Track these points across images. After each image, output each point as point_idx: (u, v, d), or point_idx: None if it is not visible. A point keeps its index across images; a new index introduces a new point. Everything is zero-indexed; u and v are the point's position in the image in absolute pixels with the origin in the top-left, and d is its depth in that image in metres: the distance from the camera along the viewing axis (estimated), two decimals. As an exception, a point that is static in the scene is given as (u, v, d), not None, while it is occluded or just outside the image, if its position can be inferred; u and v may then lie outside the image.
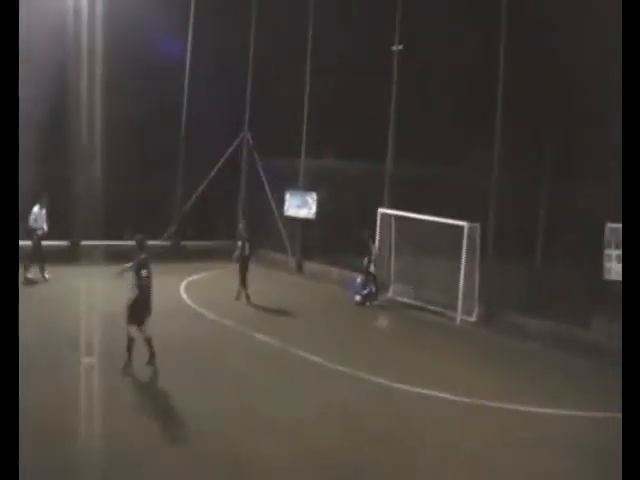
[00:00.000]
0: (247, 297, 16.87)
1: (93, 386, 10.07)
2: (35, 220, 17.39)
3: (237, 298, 16.92)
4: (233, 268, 17.48)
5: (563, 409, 10.91)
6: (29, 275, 16.95)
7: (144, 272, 11.34)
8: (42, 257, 17.51)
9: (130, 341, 11.27)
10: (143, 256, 11.46)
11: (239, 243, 17.45)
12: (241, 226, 17.88)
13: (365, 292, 17.80)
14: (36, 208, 17.45)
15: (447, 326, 16.13)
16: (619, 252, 13.96)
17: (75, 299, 14.24)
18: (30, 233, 17.32)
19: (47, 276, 17.46)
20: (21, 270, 16.20)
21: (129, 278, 11.41)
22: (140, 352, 11.31)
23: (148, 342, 11.38)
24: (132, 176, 21.10)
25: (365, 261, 17.98)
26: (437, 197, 18.60)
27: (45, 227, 17.58)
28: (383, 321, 16.48)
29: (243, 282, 16.91)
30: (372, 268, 17.91)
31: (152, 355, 11.39)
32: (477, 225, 16.50)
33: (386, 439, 9.38)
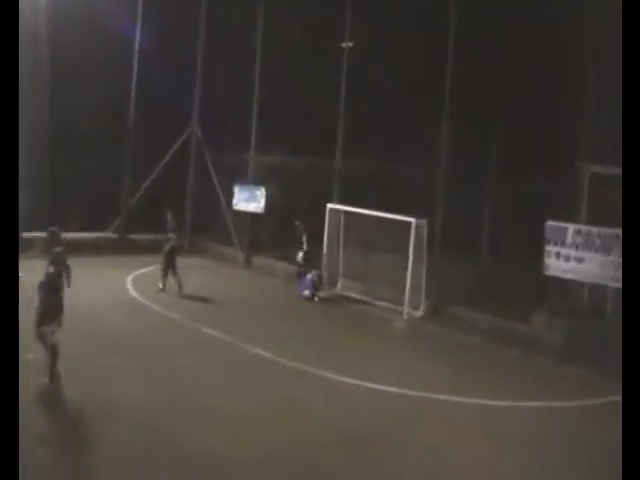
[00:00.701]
0: (180, 287, 16.84)
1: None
2: None
3: (163, 289, 16.92)
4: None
5: (498, 400, 11.22)
6: None
7: (52, 268, 10.26)
8: None
9: (52, 347, 9.94)
10: (57, 250, 10.49)
11: (169, 235, 17.35)
12: (169, 217, 17.77)
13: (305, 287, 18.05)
14: None
15: (394, 321, 16.37)
16: (558, 249, 14.39)
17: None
18: None
19: None
20: None
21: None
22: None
23: (53, 348, 9.93)
24: (78, 166, 20.80)
25: (299, 254, 18.51)
26: (385, 193, 18.86)
27: None
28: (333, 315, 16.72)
29: (174, 273, 16.94)
30: (299, 257, 18.55)
31: (52, 367, 9.88)
32: (424, 221, 16.77)
33: (331, 431, 9.53)
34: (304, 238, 18.65)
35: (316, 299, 17.85)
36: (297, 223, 18.84)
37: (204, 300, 16.69)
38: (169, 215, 17.74)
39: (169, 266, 17.01)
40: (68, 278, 10.96)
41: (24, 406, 7.26)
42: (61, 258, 10.48)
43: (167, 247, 17.18)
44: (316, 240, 18.80)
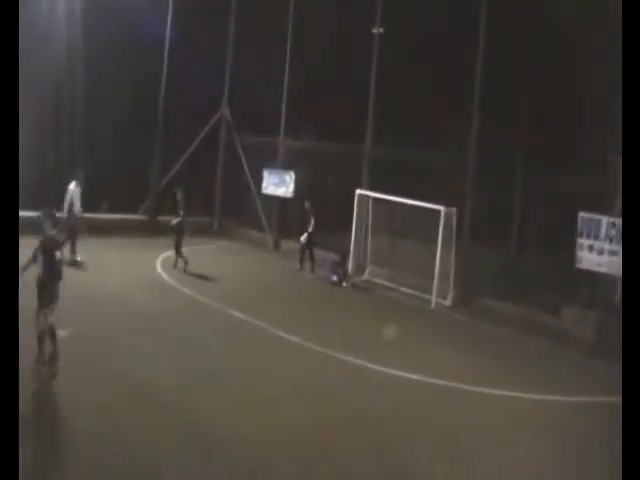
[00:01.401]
0: (185, 263, 17.13)
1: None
2: (72, 198, 16.87)
3: (175, 266, 17.21)
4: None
5: (524, 392, 11.19)
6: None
7: (51, 254, 9.42)
8: (74, 237, 16.83)
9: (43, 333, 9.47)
10: (52, 233, 9.62)
11: (181, 212, 17.53)
12: (178, 196, 17.87)
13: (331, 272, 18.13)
14: (72, 185, 17.00)
15: (422, 309, 16.36)
16: (591, 242, 14.24)
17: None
18: (68, 212, 16.74)
19: (79, 258, 16.70)
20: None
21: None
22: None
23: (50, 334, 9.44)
24: (109, 148, 20.98)
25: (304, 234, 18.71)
26: (415, 180, 18.77)
27: (79, 206, 16.92)
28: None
29: (178, 250, 17.25)
30: (303, 238, 18.75)
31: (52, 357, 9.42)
32: (453, 210, 16.69)
33: (356, 416, 9.60)
34: (312, 220, 18.80)
35: (344, 284, 17.86)
36: (306, 204, 19.06)
37: (233, 283, 16.78)
38: (179, 195, 17.82)
39: (176, 244, 17.28)
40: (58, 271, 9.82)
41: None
42: (56, 242, 9.76)
43: (174, 223, 17.44)
44: (345, 225, 18.80)
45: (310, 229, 18.82)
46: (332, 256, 18.53)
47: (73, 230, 16.65)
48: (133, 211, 22.36)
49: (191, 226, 17.88)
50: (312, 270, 18.72)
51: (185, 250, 17.54)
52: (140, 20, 20.78)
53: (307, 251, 18.90)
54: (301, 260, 19.02)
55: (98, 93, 20.52)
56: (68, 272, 14.93)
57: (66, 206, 16.79)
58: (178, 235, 17.33)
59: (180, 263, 17.27)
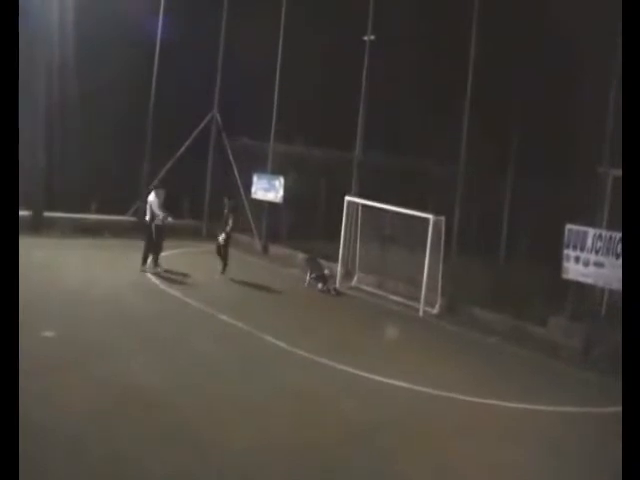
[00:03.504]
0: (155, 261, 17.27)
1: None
2: (151, 208, 17.27)
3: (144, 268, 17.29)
4: (200, 247, 17.52)
5: (508, 401, 11.23)
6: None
7: None
8: (158, 247, 17.33)
9: None
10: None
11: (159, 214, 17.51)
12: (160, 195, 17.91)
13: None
14: (151, 197, 17.36)
15: (410, 317, 16.42)
16: (577, 253, 14.36)
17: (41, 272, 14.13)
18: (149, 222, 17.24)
19: (159, 269, 17.19)
20: None
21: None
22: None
23: None
24: (99, 149, 20.96)
25: (221, 234, 17.92)
26: (404, 188, 18.89)
27: (161, 215, 17.28)
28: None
29: (155, 250, 17.31)
30: (221, 238, 17.91)
31: None
32: (442, 218, 16.76)
33: (342, 422, 9.63)
34: (230, 220, 17.96)
35: (332, 292, 17.85)
36: (226, 201, 18.39)
37: (221, 286, 16.78)
38: (161, 193, 17.83)
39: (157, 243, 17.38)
40: None
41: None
42: None
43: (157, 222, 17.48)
44: (334, 232, 18.85)
45: (228, 229, 17.94)
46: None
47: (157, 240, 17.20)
48: (122, 212, 22.33)
49: (179, 228, 17.86)
50: (222, 272, 17.84)
51: (171, 253, 17.57)
52: (131, 22, 20.83)
53: (222, 251, 18.00)
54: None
55: (88, 94, 20.49)
56: (53, 272, 15.10)
57: (148, 217, 17.35)
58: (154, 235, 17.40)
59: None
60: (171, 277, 17.08)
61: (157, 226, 17.32)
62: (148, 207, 17.45)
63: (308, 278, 18.14)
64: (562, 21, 15.91)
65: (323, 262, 18.52)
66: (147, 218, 17.46)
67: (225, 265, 17.91)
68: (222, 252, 17.96)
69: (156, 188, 17.79)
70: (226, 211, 18.10)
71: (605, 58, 14.58)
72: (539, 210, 16.35)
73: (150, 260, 17.22)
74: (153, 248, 17.31)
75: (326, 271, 18.12)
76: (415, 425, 9.99)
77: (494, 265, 17.11)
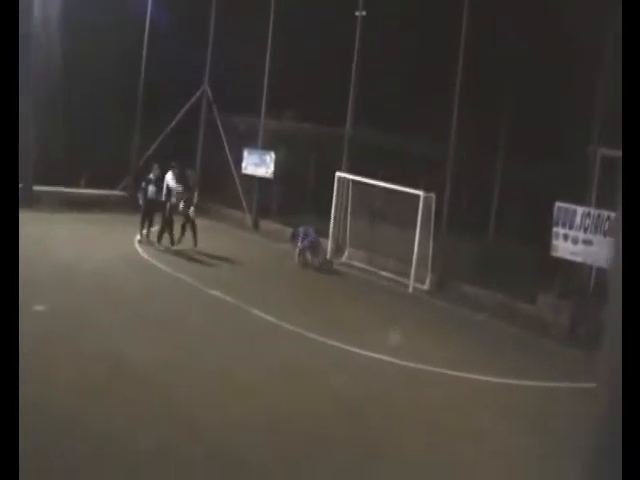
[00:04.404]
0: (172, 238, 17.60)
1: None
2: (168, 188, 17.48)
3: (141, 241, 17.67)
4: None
5: (494, 375, 11.42)
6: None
7: None
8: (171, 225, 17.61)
9: None
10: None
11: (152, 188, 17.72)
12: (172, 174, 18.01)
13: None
14: (169, 176, 17.58)
15: (400, 293, 16.54)
16: (566, 231, 14.49)
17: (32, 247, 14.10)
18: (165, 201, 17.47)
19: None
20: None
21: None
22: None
23: None
24: (89, 123, 20.83)
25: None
26: (395, 164, 18.91)
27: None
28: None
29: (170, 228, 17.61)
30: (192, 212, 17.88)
31: None
32: (432, 195, 16.82)
33: (331, 396, 9.78)
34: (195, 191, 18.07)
35: (325, 266, 17.72)
36: (188, 172, 18.50)
37: (211, 261, 16.84)
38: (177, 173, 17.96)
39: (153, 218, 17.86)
40: None
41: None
42: None
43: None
44: (324, 208, 18.87)
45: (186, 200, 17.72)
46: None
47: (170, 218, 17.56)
48: (112, 187, 22.26)
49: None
50: (171, 243, 17.67)
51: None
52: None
53: (187, 224, 17.93)
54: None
55: (76, 67, 20.31)
56: (44, 247, 15.07)
57: (164, 196, 17.56)
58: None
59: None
60: (162, 252, 17.11)
61: (172, 205, 17.51)
62: (165, 186, 17.59)
63: (298, 249, 17.88)
64: (550, 5, 15.90)
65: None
66: (163, 197, 17.59)
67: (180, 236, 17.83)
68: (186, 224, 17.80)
69: (173, 168, 17.83)
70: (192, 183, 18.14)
71: (593, 38, 14.63)
72: (529, 188, 16.44)
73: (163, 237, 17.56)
74: (168, 226, 17.53)
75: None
76: (403, 399, 10.15)
77: (484, 242, 17.21)
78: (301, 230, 17.92)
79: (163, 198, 17.62)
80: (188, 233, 17.75)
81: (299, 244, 17.83)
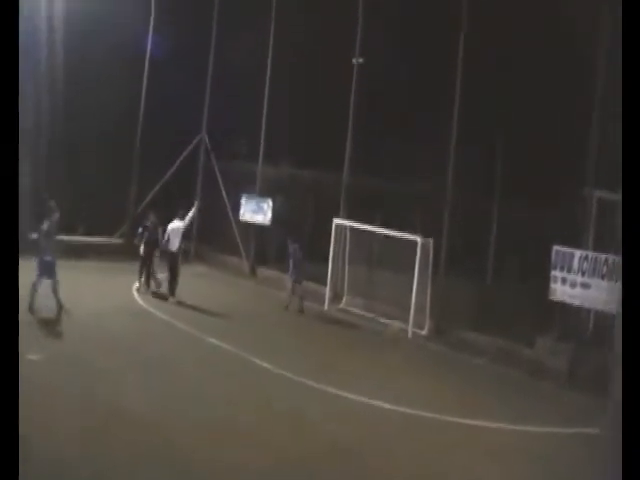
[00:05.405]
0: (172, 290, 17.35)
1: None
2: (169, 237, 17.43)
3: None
4: (188, 271, 17.54)
5: (494, 421, 11.28)
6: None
7: None
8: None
9: None
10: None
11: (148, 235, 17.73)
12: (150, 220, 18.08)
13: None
14: (175, 224, 17.62)
15: (399, 339, 16.40)
16: (565, 274, 14.45)
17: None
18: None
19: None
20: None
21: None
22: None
23: None
24: (86, 170, 20.92)
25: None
26: (392, 210, 18.92)
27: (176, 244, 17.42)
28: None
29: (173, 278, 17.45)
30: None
31: None
32: (430, 240, 16.83)
33: (329, 443, 9.69)
34: (160, 232, 17.76)
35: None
36: (151, 217, 18.17)
37: (209, 309, 16.72)
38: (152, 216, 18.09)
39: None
40: None
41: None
42: None
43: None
44: (322, 254, 18.84)
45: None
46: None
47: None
48: (110, 234, 22.26)
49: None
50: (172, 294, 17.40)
51: (160, 276, 17.70)
52: (120, 43, 20.87)
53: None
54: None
55: (75, 115, 20.46)
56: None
57: (169, 244, 17.48)
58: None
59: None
60: (159, 300, 17.03)
61: (173, 254, 17.50)
62: (167, 235, 17.55)
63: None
64: (545, 41, 16.12)
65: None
66: (169, 246, 17.52)
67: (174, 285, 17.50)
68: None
69: (179, 217, 17.87)
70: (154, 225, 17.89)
71: (589, 79, 14.80)
72: (526, 232, 16.40)
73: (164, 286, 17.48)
74: (172, 276, 17.39)
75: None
76: (399, 445, 10.01)
77: (482, 286, 17.13)
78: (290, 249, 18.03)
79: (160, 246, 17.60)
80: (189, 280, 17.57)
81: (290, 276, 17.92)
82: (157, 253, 17.81)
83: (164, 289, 17.50)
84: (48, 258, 14.14)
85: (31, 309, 13.87)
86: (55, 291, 14.14)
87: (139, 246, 17.89)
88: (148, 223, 17.97)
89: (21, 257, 5.41)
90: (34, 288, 13.98)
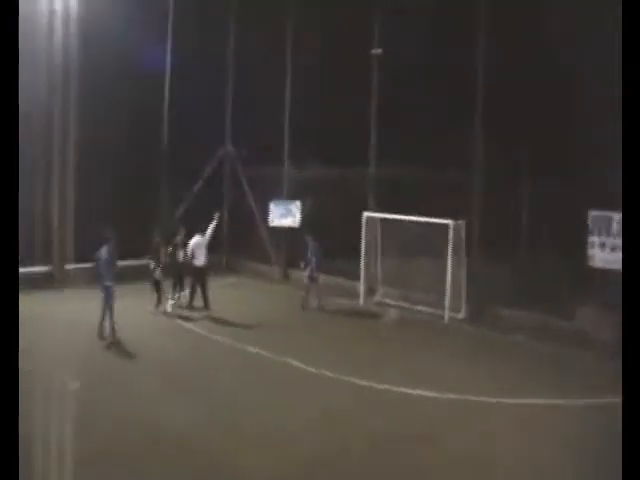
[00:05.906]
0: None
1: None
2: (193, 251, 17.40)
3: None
4: (219, 281, 17.36)
5: (533, 397, 10.97)
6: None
7: None
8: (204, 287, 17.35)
9: None
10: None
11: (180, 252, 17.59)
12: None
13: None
14: (197, 239, 17.52)
15: (435, 325, 16.04)
16: (603, 239, 13.89)
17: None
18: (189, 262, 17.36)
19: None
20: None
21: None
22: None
23: None
24: (112, 191, 20.90)
25: (152, 266, 17.33)
26: (421, 199, 18.52)
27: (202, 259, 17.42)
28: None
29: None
30: (158, 274, 17.27)
31: None
32: (462, 222, 16.45)
33: (375, 439, 9.44)
34: (162, 251, 17.51)
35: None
36: (155, 236, 17.89)
37: (246, 319, 16.47)
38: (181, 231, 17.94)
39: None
40: None
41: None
42: None
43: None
44: (354, 250, 18.52)
45: (161, 263, 17.36)
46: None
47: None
48: (140, 255, 22.21)
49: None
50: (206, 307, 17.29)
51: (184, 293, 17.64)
52: (140, 57, 20.84)
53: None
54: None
55: (96, 130, 20.40)
56: (78, 320, 15.01)
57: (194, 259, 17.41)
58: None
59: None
60: (193, 313, 16.90)
61: (200, 268, 17.37)
62: (190, 251, 17.44)
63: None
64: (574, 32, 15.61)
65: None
66: (195, 261, 17.42)
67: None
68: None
69: (200, 231, 17.78)
70: (157, 245, 17.62)
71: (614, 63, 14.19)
72: (558, 202, 15.84)
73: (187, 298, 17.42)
74: (203, 290, 17.31)
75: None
76: (445, 433, 9.71)
77: (518, 263, 16.63)
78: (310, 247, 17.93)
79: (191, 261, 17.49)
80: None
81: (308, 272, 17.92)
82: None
83: (195, 303, 17.32)
84: (108, 284, 14.41)
85: (101, 335, 14.22)
86: (111, 316, 14.37)
87: (168, 264, 17.65)
88: (177, 239, 17.84)
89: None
90: (102, 315, 14.35)
